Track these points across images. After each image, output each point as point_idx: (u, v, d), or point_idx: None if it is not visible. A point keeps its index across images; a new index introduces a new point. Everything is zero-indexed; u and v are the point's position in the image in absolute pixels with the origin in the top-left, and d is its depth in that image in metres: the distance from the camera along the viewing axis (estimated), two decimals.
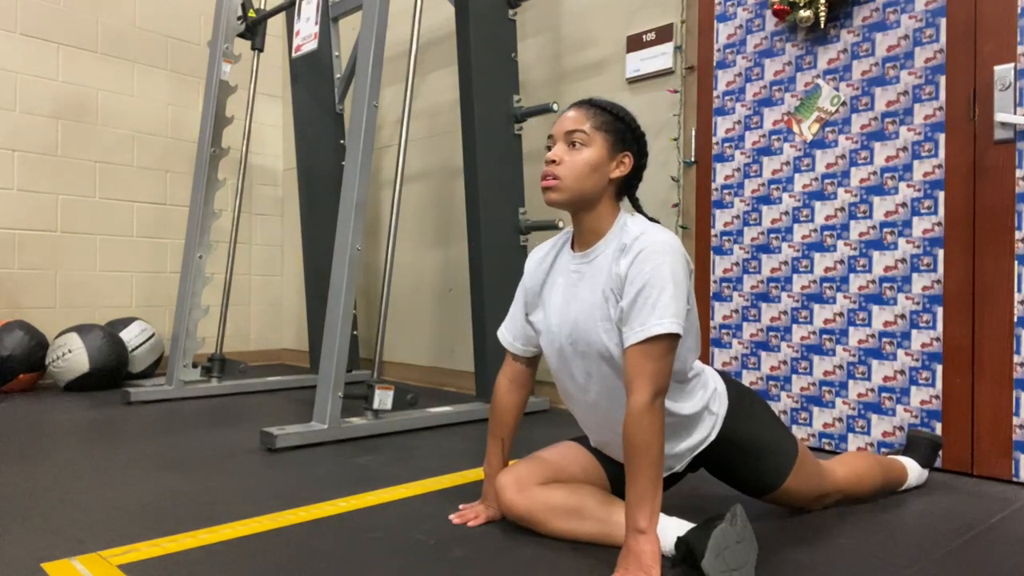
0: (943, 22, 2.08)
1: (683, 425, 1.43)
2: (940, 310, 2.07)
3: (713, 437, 1.45)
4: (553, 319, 1.43)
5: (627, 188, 1.42)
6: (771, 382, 2.43)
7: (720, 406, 1.46)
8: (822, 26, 2.28)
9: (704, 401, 1.43)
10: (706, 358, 2.60)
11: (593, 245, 1.38)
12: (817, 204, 2.33)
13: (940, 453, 1.94)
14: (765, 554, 1.39)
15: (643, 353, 1.24)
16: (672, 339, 1.25)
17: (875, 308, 2.20)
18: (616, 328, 1.32)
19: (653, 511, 1.22)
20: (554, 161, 1.34)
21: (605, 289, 1.33)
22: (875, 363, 2.19)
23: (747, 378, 2.49)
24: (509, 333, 1.56)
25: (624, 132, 1.37)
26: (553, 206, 1.37)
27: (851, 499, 1.69)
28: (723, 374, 1.54)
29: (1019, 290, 1.94)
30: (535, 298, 1.50)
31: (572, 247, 1.44)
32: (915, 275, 2.12)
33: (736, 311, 2.52)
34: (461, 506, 1.62)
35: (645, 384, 1.23)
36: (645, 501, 1.21)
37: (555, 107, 2.83)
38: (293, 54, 3.13)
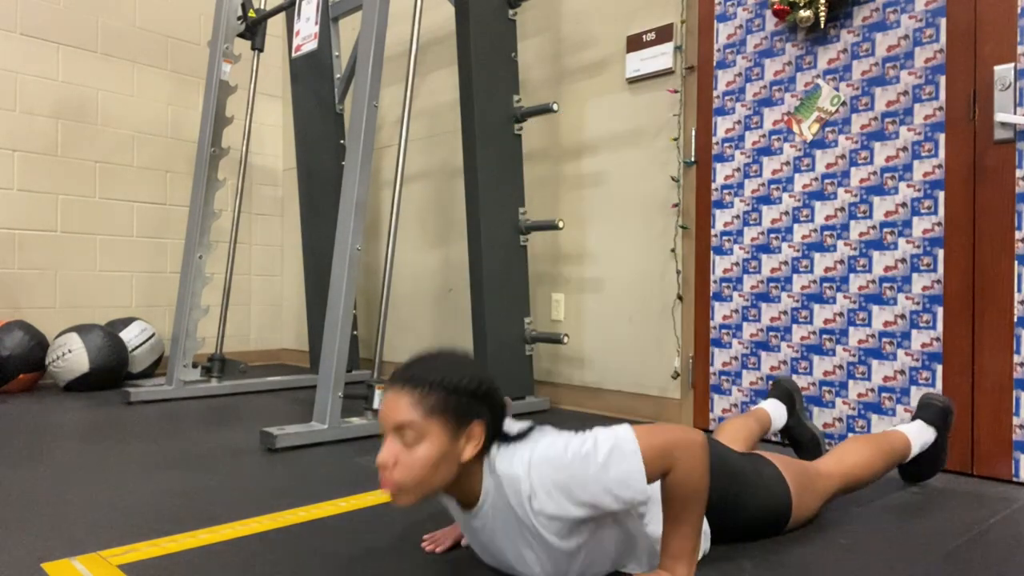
0: (943, 22, 2.08)
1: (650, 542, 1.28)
2: (940, 310, 2.07)
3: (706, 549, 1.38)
4: (486, 557, 1.28)
5: (489, 445, 1.16)
6: (771, 382, 2.43)
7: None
8: (822, 26, 2.28)
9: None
10: (707, 359, 2.61)
11: (476, 505, 1.18)
12: (817, 204, 2.33)
13: (951, 419, 1.91)
14: (765, 554, 1.39)
15: (646, 453, 1.08)
16: (631, 444, 1.09)
17: (875, 308, 2.20)
18: (555, 538, 1.14)
19: (693, 562, 1.14)
20: (386, 465, 1.09)
21: (526, 539, 1.16)
22: (875, 363, 2.19)
23: (747, 378, 2.49)
24: None
25: (465, 404, 1.10)
26: (401, 506, 1.18)
27: (855, 489, 1.68)
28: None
29: (1019, 290, 1.94)
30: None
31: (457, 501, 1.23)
32: (915, 275, 2.12)
33: (736, 311, 2.52)
34: (425, 537, 1.47)
35: (690, 441, 1.11)
36: (687, 552, 1.13)
37: (555, 107, 2.83)
38: (293, 54, 3.13)
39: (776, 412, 2.05)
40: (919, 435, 1.82)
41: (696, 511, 1.13)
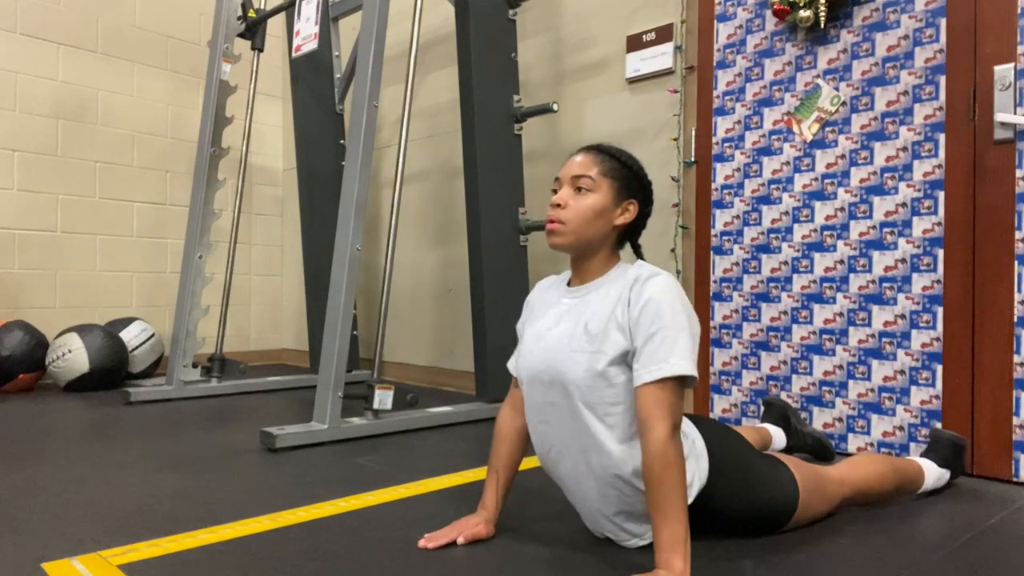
0: (943, 22, 2.08)
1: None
2: (940, 310, 2.07)
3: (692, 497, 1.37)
4: (529, 343, 1.39)
5: (630, 235, 1.41)
6: (771, 382, 2.43)
7: (694, 475, 1.36)
8: (822, 26, 2.28)
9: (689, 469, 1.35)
10: (707, 359, 2.61)
11: (588, 282, 1.37)
12: (817, 204, 2.33)
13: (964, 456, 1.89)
14: (765, 554, 1.39)
15: (659, 390, 1.21)
16: (686, 382, 1.23)
17: (875, 308, 2.20)
18: (590, 364, 1.27)
19: (687, 551, 1.16)
20: (559, 205, 1.34)
21: (591, 323, 1.30)
22: (875, 363, 2.19)
23: (747, 378, 2.49)
24: (514, 360, 1.51)
25: (631, 180, 1.36)
26: (557, 249, 1.35)
27: (863, 502, 1.68)
28: (703, 427, 1.44)
29: (1019, 290, 1.94)
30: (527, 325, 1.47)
31: (568, 283, 1.43)
32: (915, 275, 2.12)
33: (736, 311, 2.52)
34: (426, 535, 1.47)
35: (664, 417, 1.19)
36: (679, 541, 1.16)
37: (555, 107, 2.83)
38: (293, 54, 3.13)
39: (776, 434, 2.11)
40: (933, 473, 1.79)
41: (677, 493, 1.17)
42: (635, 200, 1.36)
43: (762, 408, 2.23)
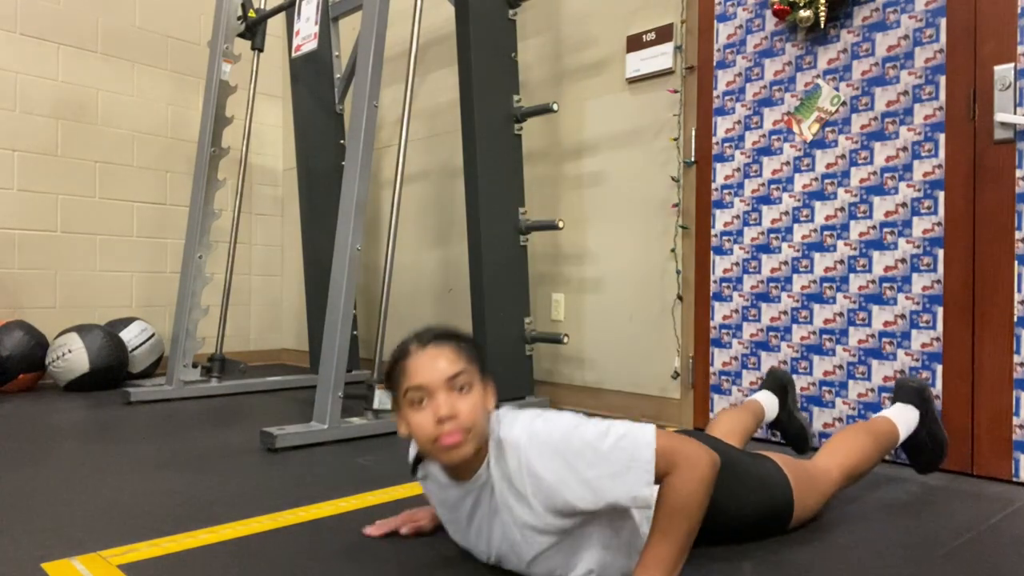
0: (943, 22, 2.08)
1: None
2: (940, 310, 2.07)
3: None
4: (479, 548, 1.28)
5: None
6: (766, 372, 2.42)
7: None
8: (822, 26, 2.28)
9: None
10: (707, 359, 2.61)
11: (475, 474, 1.17)
12: (817, 204, 2.33)
13: (929, 397, 1.93)
14: (764, 554, 1.39)
15: (659, 464, 1.07)
16: (651, 449, 1.07)
17: (875, 308, 2.20)
18: (547, 529, 1.14)
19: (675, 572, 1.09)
20: (449, 416, 1.09)
21: (520, 511, 1.14)
22: (875, 363, 2.19)
23: (747, 378, 2.49)
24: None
25: (482, 359, 1.19)
26: (457, 463, 1.14)
27: (856, 480, 1.67)
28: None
29: (1019, 290, 1.94)
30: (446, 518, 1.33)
31: (447, 474, 1.23)
32: (915, 275, 2.12)
33: (736, 311, 2.52)
34: (378, 522, 1.50)
35: (679, 461, 1.06)
36: (661, 562, 1.07)
37: (555, 107, 2.83)
38: (293, 54, 3.13)
39: (769, 404, 2.08)
40: (901, 415, 1.85)
41: (682, 527, 1.08)
42: (485, 372, 1.19)
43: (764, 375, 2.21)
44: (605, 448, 1.08)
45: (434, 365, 1.12)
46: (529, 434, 1.12)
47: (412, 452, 1.32)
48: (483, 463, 1.16)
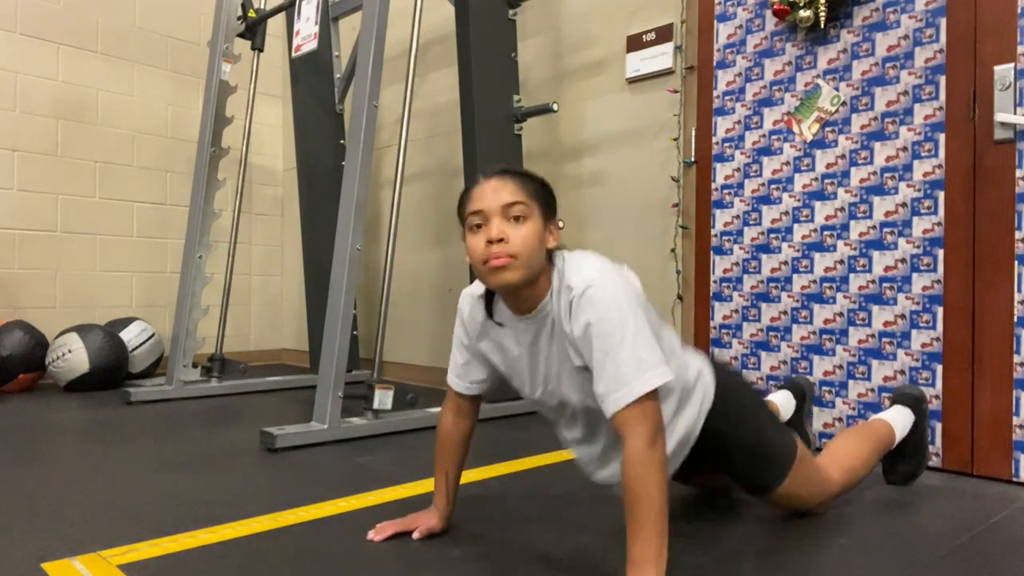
0: (943, 22, 2.08)
1: None
2: (940, 310, 2.07)
3: (695, 436, 1.41)
4: (535, 390, 1.37)
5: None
6: (771, 382, 2.43)
7: (701, 404, 1.40)
8: (822, 26, 2.28)
9: (678, 404, 1.37)
10: None
11: (537, 306, 1.26)
12: (817, 204, 2.33)
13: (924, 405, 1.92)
14: (764, 554, 1.39)
15: (628, 409, 1.14)
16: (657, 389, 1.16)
17: (875, 308, 2.20)
18: (586, 391, 1.26)
19: (661, 567, 1.10)
20: (501, 239, 1.18)
21: (568, 350, 1.25)
22: (875, 363, 2.19)
23: (747, 378, 2.49)
24: (460, 380, 1.46)
25: (551, 199, 1.27)
26: (506, 288, 1.22)
27: (855, 484, 1.68)
28: (717, 365, 1.47)
29: (1019, 290, 1.94)
30: (487, 354, 1.42)
31: (512, 310, 1.31)
32: (915, 275, 2.12)
33: (736, 311, 2.52)
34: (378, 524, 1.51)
35: (639, 430, 1.12)
36: (650, 559, 1.09)
37: (555, 107, 2.83)
38: (293, 54, 3.13)
39: (785, 404, 2.08)
40: (898, 418, 1.85)
41: (653, 507, 1.10)
42: (556, 218, 1.28)
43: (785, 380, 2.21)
44: (623, 357, 1.15)
45: (494, 193, 1.21)
46: (595, 306, 1.17)
47: (478, 289, 1.39)
48: (547, 295, 1.25)
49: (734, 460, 1.48)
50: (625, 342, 1.15)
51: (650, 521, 1.10)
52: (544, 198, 1.25)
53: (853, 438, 1.72)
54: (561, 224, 2.94)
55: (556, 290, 1.24)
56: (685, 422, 1.39)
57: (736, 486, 1.59)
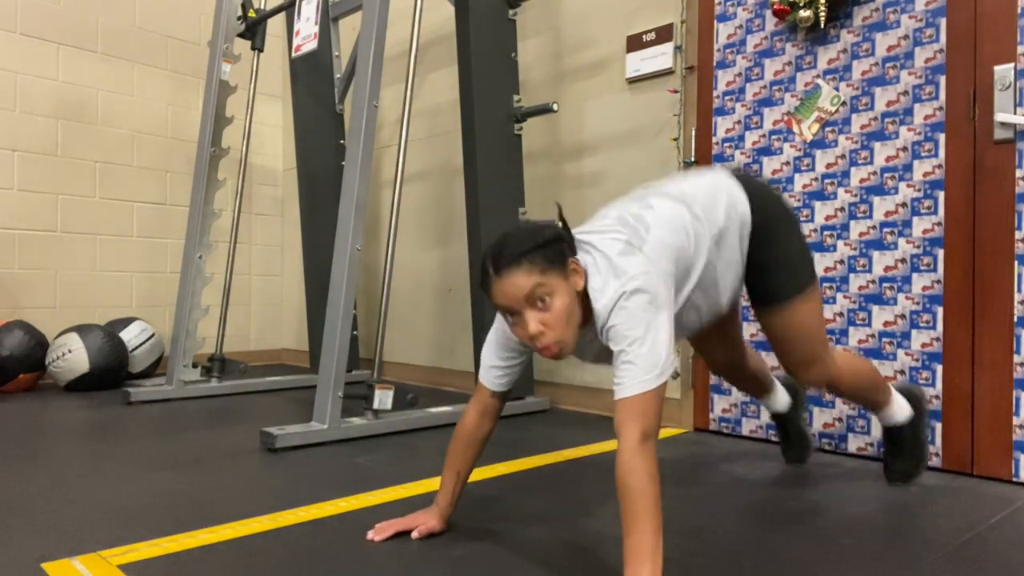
0: (943, 22, 2.08)
1: None
2: (940, 310, 2.07)
3: (743, 260, 1.57)
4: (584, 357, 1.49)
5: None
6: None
7: (740, 232, 1.55)
8: (822, 26, 2.28)
9: (718, 243, 1.52)
10: None
11: (589, 322, 1.33)
12: (817, 204, 2.33)
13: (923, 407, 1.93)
14: (764, 554, 1.39)
15: (630, 404, 1.19)
16: (660, 388, 1.21)
17: (875, 308, 2.20)
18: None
19: (657, 563, 1.10)
20: (540, 332, 1.23)
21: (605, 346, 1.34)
22: (875, 363, 2.19)
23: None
24: (494, 377, 1.47)
25: (556, 248, 1.26)
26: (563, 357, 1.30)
27: (837, 385, 1.73)
28: (745, 180, 1.58)
29: (1019, 290, 1.94)
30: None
31: None
32: (915, 275, 2.12)
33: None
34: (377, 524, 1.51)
35: (634, 426, 1.17)
36: (645, 554, 1.10)
37: (555, 107, 2.83)
38: (293, 54, 3.13)
39: (780, 390, 2.11)
40: (900, 398, 1.87)
41: (644, 503, 1.12)
42: (568, 256, 1.27)
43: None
44: (637, 352, 1.21)
45: (512, 290, 1.23)
46: (609, 313, 1.24)
47: None
48: (589, 323, 1.31)
49: (768, 265, 1.58)
50: (645, 342, 1.20)
51: (645, 513, 1.12)
52: (551, 256, 1.24)
53: (867, 363, 1.80)
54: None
55: (595, 315, 1.28)
56: (729, 255, 1.52)
57: (753, 304, 1.66)
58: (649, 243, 1.33)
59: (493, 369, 1.46)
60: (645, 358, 1.19)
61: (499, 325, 1.46)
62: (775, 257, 1.58)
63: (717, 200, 1.51)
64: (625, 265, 1.26)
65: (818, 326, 1.63)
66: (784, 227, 1.59)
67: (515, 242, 1.24)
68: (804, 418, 2.14)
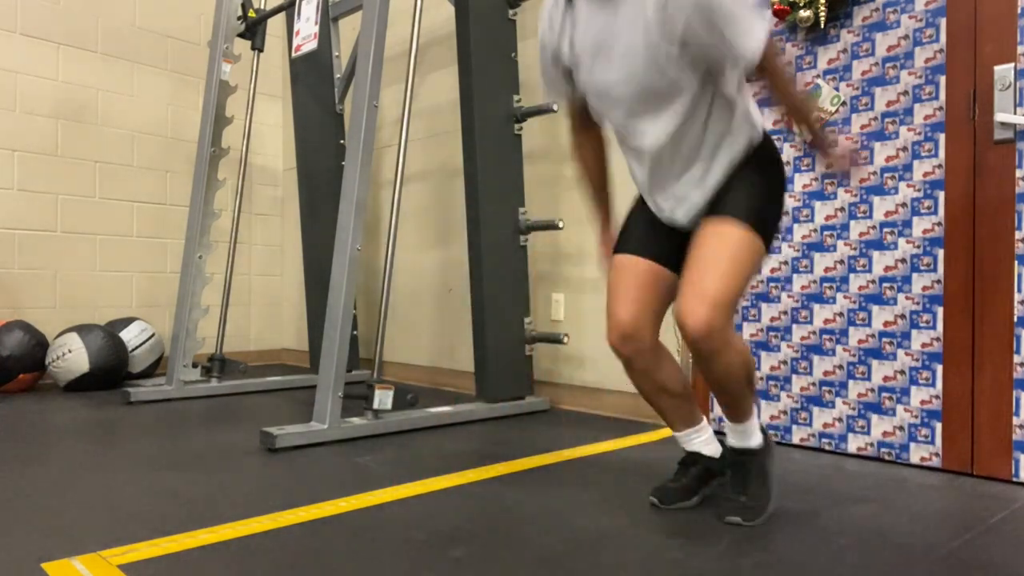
0: (943, 22, 2.08)
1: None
2: (940, 310, 2.07)
3: (740, 155, 1.58)
4: (609, 76, 1.46)
5: None
6: (771, 382, 2.43)
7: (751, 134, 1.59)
8: (822, 26, 2.28)
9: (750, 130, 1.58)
10: None
11: None
12: (817, 204, 2.33)
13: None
14: (764, 554, 1.39)
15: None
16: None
17: (875, 308, 2.20)
18: (678, 60, 1.38)
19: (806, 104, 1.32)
20: None
21: (649, 24, 1.35)
22: (875, 363, 2.19)
23: None
24: (564, 97, 1.62)
25: None
26: None
27: (717, 355, 1.45)
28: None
29: (1019, 290, 1.94)
30: (566, 58, 1.54)
31: None
32: (915, 275, 2.12)
33: (736, 311, 2.52)
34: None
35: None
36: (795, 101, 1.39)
37: (555, 107, 2.83)
38: (293, 54, 3.13)
39: (711, 437, 1.79)
40: (758, 422, 1.68)
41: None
42: None
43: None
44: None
45: None
46: None
47: None
48: None
49: (741, 187, 1.56)
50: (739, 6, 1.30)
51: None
52: None
53: (752, 358, 1.62)
54: (561, 224, 2.95)
55: None
56: (744, 128, 1.57)
57: (708, 217, 1.56)
58: None
59: (560, 94, 1.60)
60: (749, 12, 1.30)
61: (543, 55, 1.56)
62: (752, 182, 1.58)
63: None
64: None
65: (744, 271, 1.47)
66: (773, 173, 1.61)
67: None
68: (723, 482, 1.76)
